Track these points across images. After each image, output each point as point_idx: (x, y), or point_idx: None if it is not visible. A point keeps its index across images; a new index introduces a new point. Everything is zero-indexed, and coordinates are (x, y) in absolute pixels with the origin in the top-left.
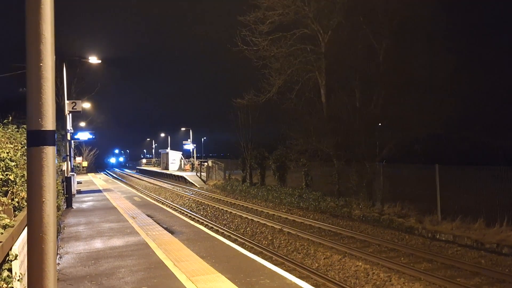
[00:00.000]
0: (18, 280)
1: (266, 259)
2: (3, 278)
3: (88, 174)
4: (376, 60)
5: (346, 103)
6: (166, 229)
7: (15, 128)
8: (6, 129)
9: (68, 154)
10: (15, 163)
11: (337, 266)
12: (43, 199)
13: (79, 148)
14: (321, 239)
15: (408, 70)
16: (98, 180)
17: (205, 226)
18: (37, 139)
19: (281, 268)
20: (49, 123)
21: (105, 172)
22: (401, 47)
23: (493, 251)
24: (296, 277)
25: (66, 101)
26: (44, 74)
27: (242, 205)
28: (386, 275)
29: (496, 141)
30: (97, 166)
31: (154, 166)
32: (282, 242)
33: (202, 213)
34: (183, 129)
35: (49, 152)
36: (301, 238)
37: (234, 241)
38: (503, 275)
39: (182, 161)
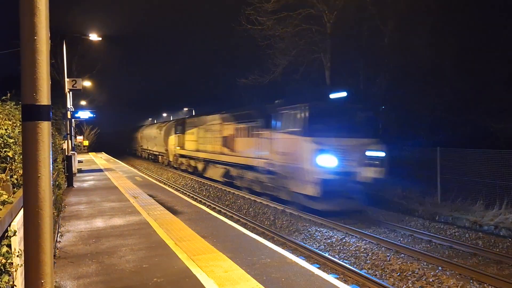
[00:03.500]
0: (18, 256)
1: (268, 239)
2: (2, 253)
3: (89, 153)
4: (381, 42)
5: (350, 85)
6: (167, 209)
7: (13, 105)
8: (4, 105)
9: (68, 132)
10: (14, 140)
11: (337, 246)
12: (39, 174)
13: (80, 127)
14: (323, 219)
15: (413, 53)
16: (99, 159)
17: (207, 207)
18: (31, 113)
19: (282, 248)
20: (44, 98)
21: None
22: (406, 29)
23: (491, 232)
24: (297, 256)
25: (66, 79)
26: (38, 48)
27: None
28: (385, 255)
29: (497, 124)
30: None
31: None
32: (284, 222)
33: (204, 193)
34: (185, 109)
35: (44, 127)
36: (303, 218)
37: (237, 221)
38: (500, 256)
39: None
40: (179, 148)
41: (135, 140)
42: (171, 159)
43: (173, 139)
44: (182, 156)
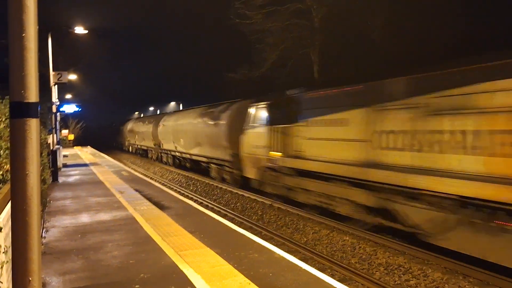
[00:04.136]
0: (3, 253)
1: (255, 234)
2: None
3: (75, 147)
4: (370, 37)
5: (338, 79)
6: (154, 204)
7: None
8: None
9: (54, 126)
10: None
11: (325, 240)
12: (27, 172)
13: (66, 121)
14: (310, 214)
15: (403, 48)
16: (85, 153)
17: (194, 201)
18: (20, 111)
19: (270, 243)
20: (32, 95)
21: None
22: (396, 25)
23: None
24: (285, 251)
25: (52, 72)
26: (27, 45)
27: None
28: (372, 249)
29: None
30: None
31: None
32: (272, 217)
33: (192, 188)
34: (173, 103)
35: (32, 124)
36: (291, 213)
37: (224, 216)
38: None
39: None
40: (279, 154)
41: (144, 136)
42: (249, 173)
43: (257, 136)
44: (301, 173)
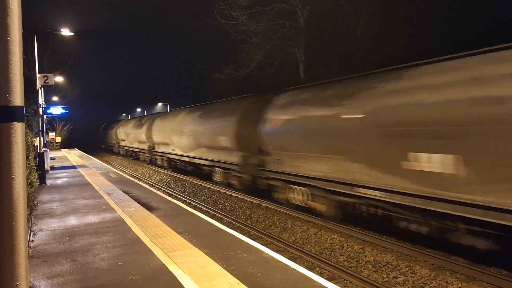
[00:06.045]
0: None
1: (244, 234)
2: None
3: (62, 150)
4: (354, 36)
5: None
6: (143, 205)
7: None
8: None
9: (40, 129)
10: None
11: (313, 239)
12: (13, 176)
13: (52, 123)
14: (298, 213)
15: (385, 46)
16: (73, 156)
17: (183, 202)
18: (5, 115)
19: (259, 242)
20: (18, 99)
21: None
22: (378, 24)
23: None
24: (273, 250)
25: (38, 75)
26: (11, 49)
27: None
28: (360, 247)
29: None
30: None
31: None
32: (260, 216)
33: (180, 189)
34: (160, 104)
35: (18, 128)
36: (279, 212)
37: (212, 216)
38: None
39: None
40: None
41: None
42: None
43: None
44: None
